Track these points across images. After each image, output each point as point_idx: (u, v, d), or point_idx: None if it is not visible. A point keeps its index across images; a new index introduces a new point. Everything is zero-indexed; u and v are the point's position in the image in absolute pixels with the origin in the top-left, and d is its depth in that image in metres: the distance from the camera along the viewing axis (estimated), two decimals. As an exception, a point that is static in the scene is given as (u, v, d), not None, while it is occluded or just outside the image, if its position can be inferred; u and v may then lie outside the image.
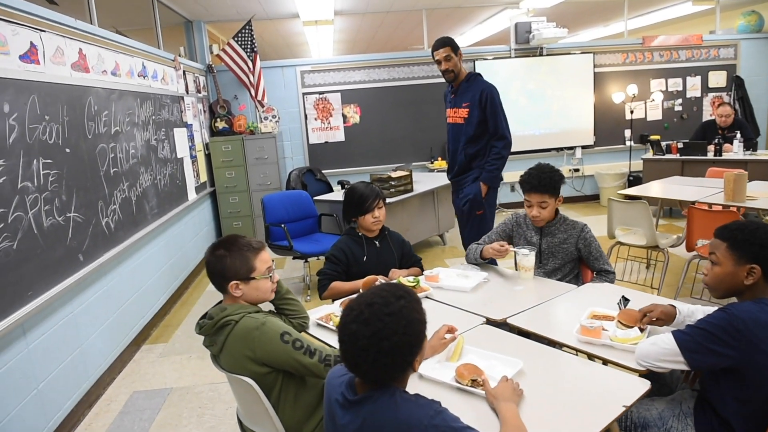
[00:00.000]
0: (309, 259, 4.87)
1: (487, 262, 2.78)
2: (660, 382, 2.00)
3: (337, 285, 2.64)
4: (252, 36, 6.37)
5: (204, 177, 6.21)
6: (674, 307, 1.98)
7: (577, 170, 7.77)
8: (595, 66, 7.46)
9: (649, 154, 6.64)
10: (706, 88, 7.87)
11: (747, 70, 7.82)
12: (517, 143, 7.41)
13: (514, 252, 2.65)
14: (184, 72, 5.69)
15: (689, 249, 3.93)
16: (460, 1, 6.98)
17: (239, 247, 1.85)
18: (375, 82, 7.16)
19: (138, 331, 4.03)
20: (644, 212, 4.04)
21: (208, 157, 6.44)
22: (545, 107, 7.44)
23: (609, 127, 7.73)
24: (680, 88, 7.82)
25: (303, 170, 6.52)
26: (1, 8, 2.62)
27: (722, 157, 5.93)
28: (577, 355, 1.90)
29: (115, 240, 3.66)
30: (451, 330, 1.90)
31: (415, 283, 2.49)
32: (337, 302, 2.44)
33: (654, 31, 9.11)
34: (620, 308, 2.15)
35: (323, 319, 2.21)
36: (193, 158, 5.81)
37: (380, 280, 2.41)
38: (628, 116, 7.58)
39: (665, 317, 1.95)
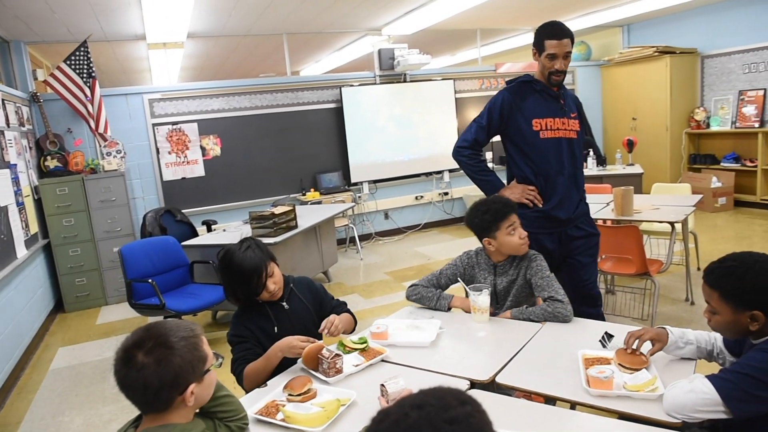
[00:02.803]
0: (184, 317, 4.14)
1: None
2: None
3: (251, 367, 2.00)
4: (89, 59, 5.46)
5: (35, 227, 5.11)
6: (664, 328, 1.81)
7: (446, 194, 7.83)
8: (456, 92, 7.61)
9: (515, 175, 6.87)
10: (551, 111, 8.43)
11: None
12: (387, 170, 7.32)
13: (467, 291, 2.33)
14: (3, 101, 4.64)
15: (590, 266, 3.95)
16: (322, 26, 6.70)
17: (179, 335, 1.29)
18: (236, 111, 6.56)
19: (-40, 440, 3.02)
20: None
21: (38, 202, 5.33)
22: (412, 133, 7.40)
23: (471, 151, 7.89)
24: (530, 112, 8.28)
25: (160, 211, 5.69)
26: None
27: (581, 175, 6.30)
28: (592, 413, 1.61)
29: None
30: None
31: (363, 344, 2.05)
32: (271, 383, 1.92)
33: (503, 58, 9.64)
34: (603, 345, 1.94)
35: (264, 414, 1.67)
36: (20, 205, 4.73)
37: (327, 348, 1.92)
38: (487, 139, 7.81)
39: (658, 339, 1.77)
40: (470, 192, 7.77)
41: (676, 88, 7.64)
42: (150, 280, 3.98)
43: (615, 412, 1.59)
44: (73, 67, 5.47)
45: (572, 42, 2.65)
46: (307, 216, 5.26)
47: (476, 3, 5.93)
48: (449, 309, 2.38)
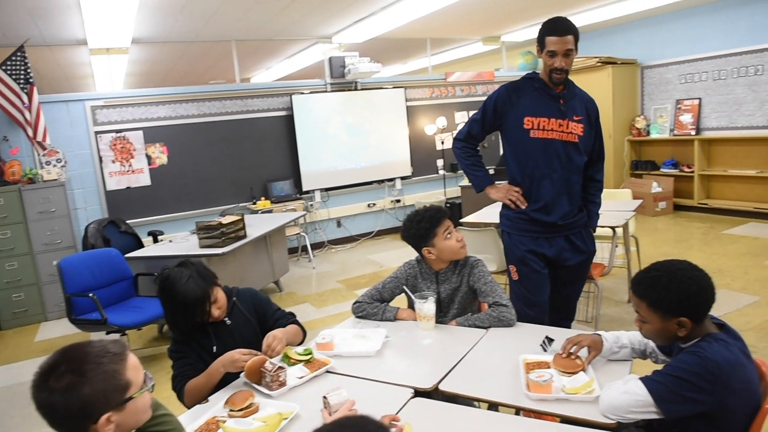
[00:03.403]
0: (128, 332, 4.01)
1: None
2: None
3: (192, 384, 1.96)
4: (26, 64, 5.23)
5: (-34, 241, 4.86)
6: (599, 335, 1.87)
7: (398, 201, 7.87)
8: (407, 100, 7.67)
9: (465, 182, 6.97)
10: (500, 119, 8.60)
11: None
12: (339, 178, 7.31)
13: (413, 300, 2.34)
14: (-71, 108, 4.40)
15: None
16: (271, 33, 6.64)
17: (96, 361, 1.21)
18: (183, 118, 6.41)
19: None
20: (494, 238, 4.08)
21: (-30, 214, 5.07)
22: (364, 141, 7.41)
23: (423, 158, 7.98)
24: (480, 120, 8.43)
25: (103, 222, 5.49)
26: None
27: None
28: (532, 417, 1.64)
29: None
30: (394, 421, 1.49)
31: (308, 356, 2.03)
32: (212, 398, 1.87)
33: (453, 67, 9.80)
34: (544, 349, 1.98)
35: (204, 431, 1.63)
36: (-50, 218, 4.49)
37: (270, 361, 1.89)
38: (439, 147, 7.92)
39: (594, 346, 1.83)
40: (422, 199, 7.84)
41: (618, 97, 7.94)
42: (91, 294, 3.83)
43: (555, 415, 1.62)
44: (9, 72, 5.24)
45: (576, 39, 2.52)
46: (257, 225, 5.18)
47: (425, 13, 6.00)
48: (395, 320, 2.39)
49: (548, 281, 2.77)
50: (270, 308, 2.28)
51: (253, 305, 2.24)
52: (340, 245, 7.47)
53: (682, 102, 7.61)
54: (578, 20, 7.19)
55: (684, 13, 7.36)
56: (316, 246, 7.30)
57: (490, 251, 4.14)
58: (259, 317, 2.23)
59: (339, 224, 7.53)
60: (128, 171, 6.21)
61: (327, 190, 7.24)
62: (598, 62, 7.81)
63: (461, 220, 4.80)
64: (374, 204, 7.69)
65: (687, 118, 7.54)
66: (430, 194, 8.01)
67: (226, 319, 2.15)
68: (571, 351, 1.80)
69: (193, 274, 2.04)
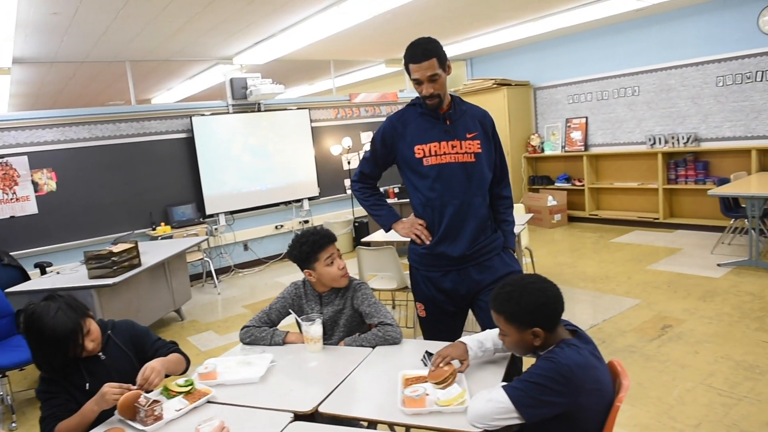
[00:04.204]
0: (8, 373, 3.71)
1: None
2: None
3: (63, 426, 1.85)
4: None
5: None
6: (464, 344, 1.95)
7: (306, 222, 7.84)
8: (312, 121, 7.70)
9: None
10: (406, 139, 8.82)
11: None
12: (245, 200, 7.20)
13: (298, 322, 2.35)
14: None
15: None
16: (168, 54, 6.47)
17: None
18: (73, 142, 6.08)
19: None
20: (392, 257, 4.16)
21: None
22: (269, 162, 7.35)
23: (330, 178, 8.03)
24: (386, 139, 8.60)
25: (-18, 255, 5.09)
26: None
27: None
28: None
29: None
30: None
31: (189, 387, 1.97)
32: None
33: (359, 88, 9.94)
34: (425, 364, 2.04)
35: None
36: None
37: (144, 396, 1.82)
38: (345, 167, 8.00)
39: (462, 358, 1.91)
40: (330, 219, 7.86)
41: (514, 116, 8.38)
42: (-38, 335, 3.53)
43: (428, 428, 1.67)
44: None
45: (441, 61, 2.30)
46: (154, 252, 4.99)
47: (326, 35, 6.07)
48: (284, 343, 2.38)
49: (460, 319, 2.60)
50: (149, 339, 2.19)
51: (130, 337, 2.15)
52: (248, 269, 7.32)
53: (571, 120, 8.15)
54: (474, 44, 7.58)
55: (569, 39, 7.92)
56: (223, 271, 7.12)
57: (389, 269, 4.22)
58: (137, 349, 2.14)
59: (246, 247, 7.39)
60: (12, 199, 5.80)
61: (232, 213, 7.10)
62: (494, 84, 8.22)
63: (365, 239, 4.88)
64: (282, 226, 7.62)
65: (576, 136, 8.08)
66: (339, 214, 8.05)
67: (101, 353, 2.05)
68: (441, 365, 1.86)
69: (62, 306, 1.93)
